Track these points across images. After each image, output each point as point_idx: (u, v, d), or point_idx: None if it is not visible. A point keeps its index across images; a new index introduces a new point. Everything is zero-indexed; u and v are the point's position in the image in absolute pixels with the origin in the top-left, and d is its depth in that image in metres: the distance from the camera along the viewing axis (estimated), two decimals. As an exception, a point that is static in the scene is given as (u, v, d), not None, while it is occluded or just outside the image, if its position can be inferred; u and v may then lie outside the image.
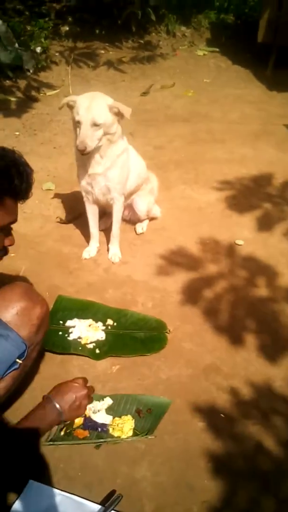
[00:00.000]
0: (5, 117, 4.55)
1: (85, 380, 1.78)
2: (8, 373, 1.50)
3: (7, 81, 5.09)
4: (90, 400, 1.79)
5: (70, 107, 2.33)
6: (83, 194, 2.64)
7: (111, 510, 1.49)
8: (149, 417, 1.84)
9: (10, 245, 1.61)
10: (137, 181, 2.73)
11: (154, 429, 1.80)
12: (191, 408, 1.89)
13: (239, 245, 2.89)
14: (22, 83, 5.16)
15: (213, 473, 1.67)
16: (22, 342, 1.52)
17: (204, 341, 2.21)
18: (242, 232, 3.00)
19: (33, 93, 5.07)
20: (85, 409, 1.77)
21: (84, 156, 2.38)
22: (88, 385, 1.78)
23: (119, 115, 2.34)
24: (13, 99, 4.87)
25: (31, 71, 5.27)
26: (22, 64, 5.03)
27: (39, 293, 1.65)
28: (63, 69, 5.64)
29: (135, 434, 1.78)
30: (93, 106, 2.26)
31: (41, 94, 5.07)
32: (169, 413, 1.87)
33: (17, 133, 4.30)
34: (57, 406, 1.65)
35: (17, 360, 1.50)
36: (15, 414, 1.84)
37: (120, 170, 2.51)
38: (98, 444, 1.74)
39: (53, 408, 1.65)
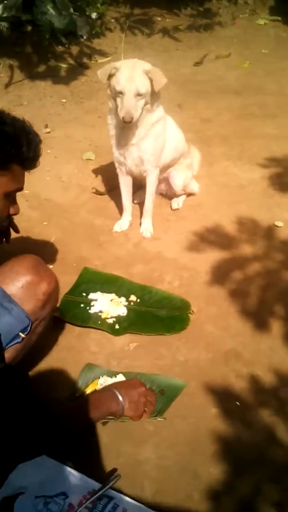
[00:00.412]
0: (54, 83, 4.52)
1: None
2: (10, 345, 1.48)
3: (60, 47, 5.04)
4: (150, 408, 1.71)
5: (110, 76, 2.25)
6: (116, 165, 2.58)
7: (108, 489, 1.46)
8: (161, 398, 1.79)
9: (14, 214, 1.59)
10: (173, 154, 2.63)
11: (164, 411, 1.75)
12: (206, 393, 1.83)
13: (278, 227, 2.74)
14: (74, 50, 5.11)
15: (220, 460, 1.61)
16: (26, 316, 1.50)
17: (228, 325, 2.12)
18: (283, 214, 2.85)
19: (85, 60, 5.00)
20: (143, 410, 1.69)
21: (117, 126, 2.31)
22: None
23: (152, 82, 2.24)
24: (63, 65, 4.82)
25: (84, 37, 5.18)
26: (76, 30, 4.96)
27: (49, 268, 1.62)
28: (117, 36, 5.52)
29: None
30: (136, 75, 2.18)
31: (93, 62, 5.00)
32: (182, 395, 1.81)
33: (64, 100, 4.27)
34: (118, 395, 1.60)
35: (20, 334, 1.48)
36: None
37: (154, 141, 2.42)
38: (105, 420, 1.71)
39: (114, 396, 1.60)
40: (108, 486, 1.47)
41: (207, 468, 1.58)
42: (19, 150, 1.42)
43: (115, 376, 1.85)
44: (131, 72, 2.18)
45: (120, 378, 1.84)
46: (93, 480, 1.51)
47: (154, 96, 2.29)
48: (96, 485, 1.49)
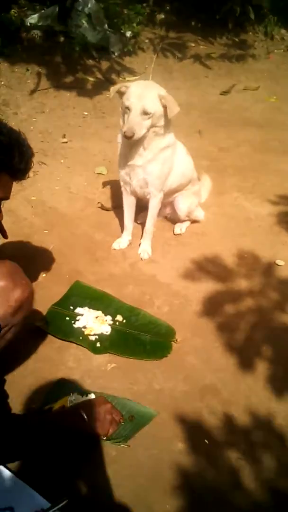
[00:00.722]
0: (78, 95, 4.57)
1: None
2: None
3: (90, 61, 5.10)
4: (115, 425, 1.71)
5: (121, 93, 2.26)
6: (121, 183, 2.58)
7: (56, 510, 1.42)
8: (128, 424, 1.75)
9: None
10: (180, 180, 2.61)
11: (130, 437, 1.71)
12: (176, 426, 1.78)
13: (279, 265, 2.70)
14: (104, 65, 5.16)
15: (178, 497, 1.56)
16: None
17: (210, 359, 2.07)
18: (286, 253, 2.81)
19: (113, 76, 5.05)
20: (110, 426, 1.69)
21: (126, 146, 2.32)
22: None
23: (165, 108, 2.24)
24: (91, 79, 4.88)
25: (116, 54, 5.24)
26: (108, 46, 5.03)
27: (25, 278, 1.59)
28: (149, 57, 5.58)
29: (108, 438, 1.69)
30: (145, 94, 2.19)
31: (121, 78, 5.04)
32: (150, 425, 1.76)
33: (86, 113, 4.31)
34: (82, 412, 1.62)
35: None
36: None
37: (161, 166, 2.41)
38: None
39: (76, 412, 1.64)
40: (56, 507, 1.42)
41: (163, 505, 1.53)
42: (11, 160, 1.46)
43: (86, 395, 1.81)
44: (141, 91, 2.20)
45: (91, 397, 1.80)
46: (44, 499, 1.47)
47: (165, 122, 2.29)
48: (45, 504, 1.46)
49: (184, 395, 1.90)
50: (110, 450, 1.67)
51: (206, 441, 1.74)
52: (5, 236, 1.80)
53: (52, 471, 1.59)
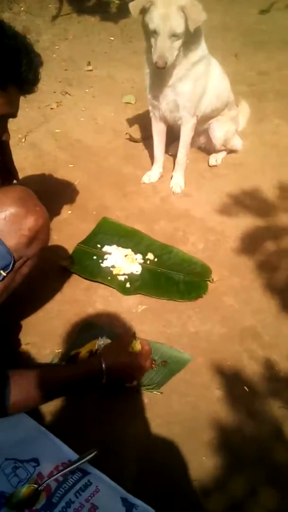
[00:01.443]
0: (103, 20, 4.23)
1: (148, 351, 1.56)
2: None
3: (113, -19, 4.69)
4: (142, 375, 1.56)
5: (144, 10, 1.94)
6: (150, 108, 2.33)
7: (85, 462, 1.31)
8: (162, 370, 1.62)
9: (5, 140, 1.45)
10: (215, 103, 2.33)
11: (162, 384, 1.58)
12: (212, 372, 1.63)
13: None
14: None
15: (215, 450, 1.43)
16: (7, 252, 1.32)
17: (250, 300, 1.89)
18: None
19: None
20: (134, 380, 1.54)
21: (152, 65, 2.04)
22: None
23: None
24: (116, 1, 4.48)
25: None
26: None
27: (39, 203, 1.41)
28: (180, -26, 5.08)
29: (139, 384, 1.56)
30: (171, 13, 1.88)
31: (148, 0, 4.62)
32: (185, 371, 1.62)
33: (112, 38, 3.99)
34: (103, 365, 1.41)
35: (1, 271, 1.31)
36: (26, 331, 1.72)
37: (193, 84, 2.14)
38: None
39: (97, 366, 1.41)
40: (85, 459, 1.31)
41: (200, 457, 1.40)
42: (18, 68, 1.25)
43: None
44: (166, 9, 1.88)
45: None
46: (71, 450, 1.37)
47: (194, 33, 1.99)
48: (72, 456, 1.35)
49: (222, 339, 1.75)
50: (142, 397, 1.54)
51: (246, 388, 1.59)
52: (16, 178, 1.61)
53: (80, 421, 1.48)
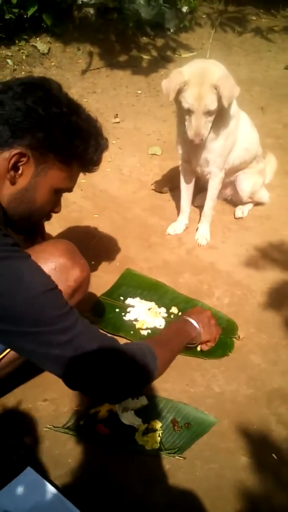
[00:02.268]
0: (133, 74, 4.34)
1: None
2: None
3: (144, 38, 4.84)
4: (219, 330, 1.80)
5: (179, 90, 1.97)
6: (180, 162, 2.34)
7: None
8: (185, 432, 1.54)
9: (56, 212, 1.48)
10: (244, 156, 2.33)
11: (186, 449, 1.49)
12: (238, 436, 1.55)
13: None
14: (159, 42, 4.89)
15: (241, 524, 1.33)
16: None
17: (279, 359, 1.82)
18: None
19: (168, 53, 4.78)
20: (218, 330, 1.78)
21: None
22: None
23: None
24: (146, 57, 4.63)
25: (171, 30, 4.95)
26: (164, 22, 4.76)
27: (82, 257, 1.47)
28: (206, 32, 5.25)
29: (161, 448, 1.48)
30: (205, 92, 1.92)
31: (176, 55, 4.77)
32: (209, 434, 1.54)
33: (139, 92, 4.08)
34: (195, 323, 1.67)
35: None
36: (45, 386, 1.66)
37: (224, 141, 2.15)
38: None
39: (192, 326, 1.67)
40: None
41: (225, 532, 1.31)
42: (86, 149, 1.33)
43: (137, 398, 1.61)
44: (199, 88, 1.91)
45: (143, 401, 1.61)
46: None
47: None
48: (89, 526, 1.27)
49: (248, 400, 1.66)
50: (163, 462, 1.46)
51: (274, 456, 1.50)
52: (43, 237, 1.63)
53: (98, 486, 1.40)
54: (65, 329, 1.13)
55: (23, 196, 1.28)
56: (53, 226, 2.47)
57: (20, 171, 1.23)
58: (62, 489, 1.36)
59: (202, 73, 1.93)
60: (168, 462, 1.46)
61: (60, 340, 1.12)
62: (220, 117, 2.06)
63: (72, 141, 1.28)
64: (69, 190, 1.41)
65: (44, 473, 1.40)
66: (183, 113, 2.03)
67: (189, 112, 1.97)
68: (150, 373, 1.30)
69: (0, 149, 1.20)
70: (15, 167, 1.22)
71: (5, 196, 1.26)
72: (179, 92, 1.96)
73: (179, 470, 1.44)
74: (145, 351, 1.30)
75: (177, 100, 2.01)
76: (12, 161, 1.20)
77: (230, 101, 1.97)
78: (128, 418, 1.55)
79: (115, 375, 1.21)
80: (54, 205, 1.43)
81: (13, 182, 1.24)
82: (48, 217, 1.51)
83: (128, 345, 1.36)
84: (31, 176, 1.25)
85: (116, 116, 3.67)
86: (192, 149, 2.19)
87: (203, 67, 1.96)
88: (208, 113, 1.96)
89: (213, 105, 1.94)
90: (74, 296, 1.44)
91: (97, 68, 4.33)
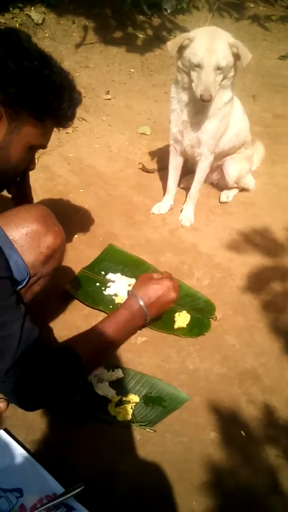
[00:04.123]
0: (127, 52, 4.31)
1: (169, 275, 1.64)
2: None
3: (141, 17, 4.79)
4: (177, 294, 1.60)
5: (183, 47, 1.97)
6: (171, 142, 2.33)
7: (70, 497, 1.25)
8: (157, 407, 1.56)
9: (30, 170, 1.44)
10: (234, 141, 2.34)
11: (156, 422, 1.52)
12: (209, 413, 1.58)
13: None
14: (155, 21, 4.85)
15: (207, 495, 1.36)
16: (24, 268, 1.32)
17: (253, 341, 1.85)
18: None
19: (164, 33, 4.74)
20: (173, 302, 1.59)
21: (182, 101, 2.07)
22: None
23: (236, 57, 1.97)
24: (141, 35, 4.59)
25: (169, 11, 4.92)
26: (161, 2, 4.73)
27: (58, 223, 1.43)
28: (203, 16, 5.21)
29: (133, 420, 1.51)
30: (217, 46, 1.90)
31: (172, 36, 4.72)
32: (181, 409, 1.57)
33: (132, 70, 4.05)
34: (141, 303, 1.49)
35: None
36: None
37: (218, 123, 2.16)
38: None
39: (139, 310, 1.49)
40: (70, 494, 1.26)
41: (190, 502, 1.34)
42: (60, 104, 1.26)
43: (113, 370, 1.63)
44: (211, 42, 1.90)
45: (118, 373, 1.63)
46: (57, 482, 1.31)
47: (234, 72, 2.04)
48: (58, 488, 1.30)
49: (221, 379, 1.70)
50: (134, 434, 1.49)
51: (242, 433, 1.53)
52: (30, 201, 1.62)
53: (69, 452, 1.42)
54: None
55: None
56: (38, 197, 2.47)
57: None
58: (34, 454, 1.38)
59: (213, 32, 1.95)
60: (139, 433, 1.49)
61: None
62: (222, 88, 2.05)
63: (46, 96, 1.22)
64: (44, 146, 1.37)
65: (16, 438, 1.41)
66: (189, 73, 2.00)
67: (197, 68, 1.94)
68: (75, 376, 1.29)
69: None
70: None
71: None
72: (183, 49, 1.95)
73: (149, 441, 1.47)
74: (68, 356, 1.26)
75: (183, 59, 1.98)
76: None
77: (246, 61, 1.97)
78: (102, 389, 1.56)
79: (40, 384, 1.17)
80: (28, 162, 1.39)
81: None
82: (24, 175, 1.49)
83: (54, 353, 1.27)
84: (4, 134, 1.21)
85: (107, 92, 3.64)
86: (186, 127, 2.18)
87: (213, 28, 1.99)
88: (218, 69, 1.93)
89: (224, 61, 1.92)
90: (47, 263, 1.41)
91: (91, 43, 4.28)
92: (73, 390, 1.42)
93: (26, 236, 1.33)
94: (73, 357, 1.25)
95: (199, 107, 2.08)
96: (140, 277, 1.61)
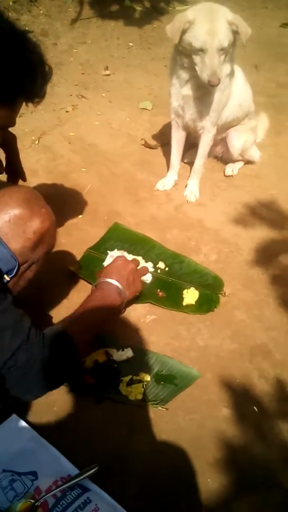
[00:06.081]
0: (125, 25, 4.20)
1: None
2: None
3: (137, -12, 4.67)
4: (142, 274, 1.72)
5: (183, 31, 1.88)
6: (172, 116, 2.28)
7: (85, 478, 1.25)
8: (168, 385, 1.55)
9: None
10: (236, 112, 2.28)
11: (168, 400, 1.51)
12: (221, 389, 1.57)
13: None
14: (153, -8, 4.72)
15: (221, 471, 1.36)
16: (11, 256, 1.25)
17: (263, 316, 1.83)
18: None
19: (162, 5, 4.61)
20: (141, 283, 1.68)
21: (181, 78, 2.02)
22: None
23: (236, 33, 1.91)
24: (138, 8, 4.46)
25: (166, -20, 4.79)
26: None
27: (45, 205, 1.34)
28: (202, -15, 5.06)
29: (144, 399, 1.50)
30: (217, 26, 1.83)
31: (170, 8, 4.60)
32: (192, 386, 1.56)
33: (131, 44, 3.96)
34: (114, 282, 1.54)
35: (5, 276, 1.25)
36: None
37: (220, 95, 2.09)
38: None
39: (111, 286, 1.54)
40: (85, 475, 1.26)
41: (204, 478, 1.34)
42: (33, 85, 1.14)
43: (122, 350, 1.63)
44: (211, 23, 1.83)
45: (128, 353, 1.62)
46: (71, 464, 1.31)
47: (234, 48, 1.98)
48: (72, 470, 1.30)
49: (232, 355, 1.68)
50: (148, 412, 1.48)
51: (255, 408, 1.52)
52: (23, 178, 1.56)
53: (83, 433, 1.42)
54: None
55: None
56: (40, 179, 2.45)
57: None
58: (47, 436, 1.37)
59: (211, 11, 1.87)
60: (152, 412, 1.48)
61: None
62: (223, 63, 1.98)
63: (19, 79, 1.09)
64: (13, 124, 1.26)
65: (29, 421, 1.41)
66: (190, 56, 1.93)
67: (200, 51, 1.87)
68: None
69: None
70: None
71: None
72: (184, 32, 1.87)
73: (162, 420, 1.46)
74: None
75: (184, 43, 1.90)
76: None
77: (246, 37, 1.92)
78: (113, 369, 1.56)
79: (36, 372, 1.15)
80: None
81: None
82: (10, 152, 1.47)
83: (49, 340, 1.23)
84: None
85: (106, 68, 3.57)
86: (187, 101, 2.13)
87: (210, 6, 1.89)
88: (221, 50, 1.87)
89: (226, 41, 1.86)
90: (37, 248, 1.33)
91: (88, 18, 4.18)
92: (70, 375, 1.41)
93: (9, 223, 1.26)
94: (67, 342, 1.26)
95: (200, 82, 2.02)
96: (104, 269, 1.67)
